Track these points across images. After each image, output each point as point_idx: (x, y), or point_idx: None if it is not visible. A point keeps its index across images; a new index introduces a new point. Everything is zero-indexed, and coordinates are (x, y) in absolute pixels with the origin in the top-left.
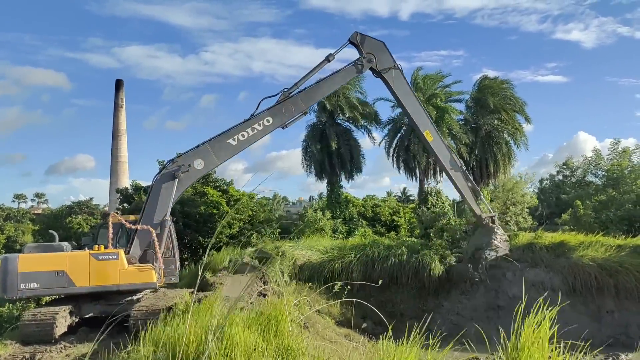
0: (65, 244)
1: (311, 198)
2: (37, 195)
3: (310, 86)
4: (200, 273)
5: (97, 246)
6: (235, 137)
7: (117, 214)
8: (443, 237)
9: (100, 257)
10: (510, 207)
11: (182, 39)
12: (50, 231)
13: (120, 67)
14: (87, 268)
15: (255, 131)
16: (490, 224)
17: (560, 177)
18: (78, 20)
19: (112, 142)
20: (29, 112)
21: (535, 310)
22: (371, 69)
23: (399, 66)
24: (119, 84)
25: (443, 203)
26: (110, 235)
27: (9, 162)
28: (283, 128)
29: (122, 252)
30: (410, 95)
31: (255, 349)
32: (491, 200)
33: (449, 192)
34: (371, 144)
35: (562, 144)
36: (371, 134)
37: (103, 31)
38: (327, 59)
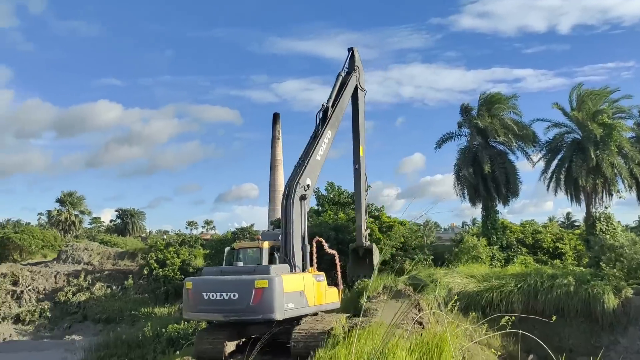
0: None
1: (464, 224)
2: (207, 222)
3: (337, 101)
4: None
5: (311, 268)
6: (319, 153)
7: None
8: (617, 266)
9: (317, 279)
10: None
11: (335, 71)
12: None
13: (279, 101)
14: (313, 288)
15: (325, 145)
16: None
17: None
18: (241, 60)
19: (270, 172)
20: (205, 146)
21: None
22: None
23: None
24: (275, 117)
25: (615, 229)
26: (315, 257)
27: (185, 192)
28: None
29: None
30: (364, 115)
31: None
32: None
33: (621, 217)
34: (530, 166)
35: None
36: (529, 156)
37: (263, 69)
38: (340, 74)
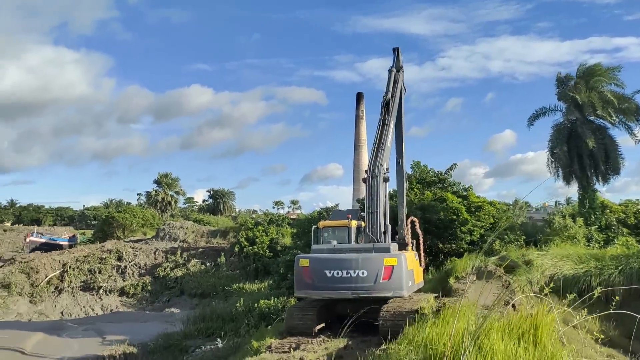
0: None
1: (557, 203)
2: (292, 202)
3: (394, 94)
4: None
5: (409, 247)
6: (387, 140)
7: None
8: None
9: (416, 257)
10: None
11: (419, 48)
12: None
13: (362, 81)
14: (416, 266)
15: (390, 134)
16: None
17: None
18: (325, 41)
19: (354, 152)
20: (291, 127)
21: None
22: None
23: None
24: (359, 97)
25: None
26: (409, 237)
27: (272, 173)
28: None
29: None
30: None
31: (515, 359)
32: None
33: None
34: (633, 142)
35: None
36: (631, 130)
37: (347, 48)
38: (392, 70)
